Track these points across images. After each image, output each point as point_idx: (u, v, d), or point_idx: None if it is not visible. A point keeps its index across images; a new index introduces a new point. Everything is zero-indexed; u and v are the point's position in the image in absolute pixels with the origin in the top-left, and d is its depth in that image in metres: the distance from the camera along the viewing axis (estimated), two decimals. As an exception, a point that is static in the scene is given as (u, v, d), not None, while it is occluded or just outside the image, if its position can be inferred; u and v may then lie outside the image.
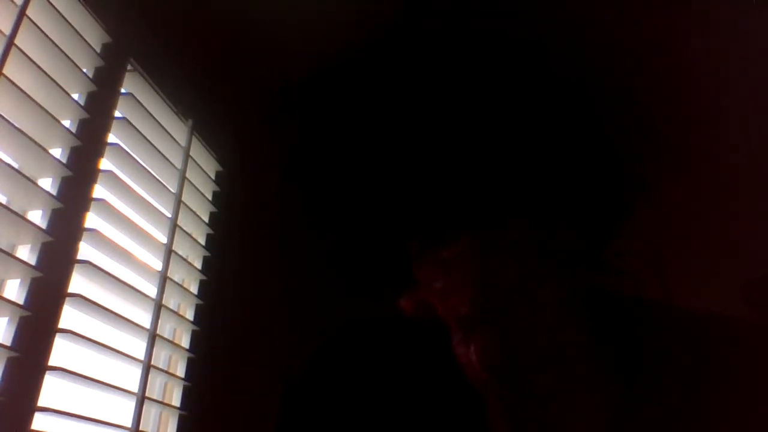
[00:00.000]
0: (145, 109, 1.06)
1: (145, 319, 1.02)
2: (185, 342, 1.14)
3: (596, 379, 0.46)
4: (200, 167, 1.24)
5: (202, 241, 1.24)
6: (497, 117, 0.43)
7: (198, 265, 1.21)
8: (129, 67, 1.05)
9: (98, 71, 0.97)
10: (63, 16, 0.89)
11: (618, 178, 0.45)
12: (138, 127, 1.04)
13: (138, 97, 1.05)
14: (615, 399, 0.45)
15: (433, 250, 0.43)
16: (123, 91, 1.03)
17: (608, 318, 0.48)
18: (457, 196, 0.42)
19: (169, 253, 1.08)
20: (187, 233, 1.15)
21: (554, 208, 0.42)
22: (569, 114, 0.44)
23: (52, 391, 0.80)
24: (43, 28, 0.84)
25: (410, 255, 0.45)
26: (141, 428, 0.95)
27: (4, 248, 0.74)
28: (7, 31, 0.79)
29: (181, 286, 1.12)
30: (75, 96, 0.92)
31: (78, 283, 0.88)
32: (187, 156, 1.18)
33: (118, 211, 0.96)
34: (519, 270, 0.41)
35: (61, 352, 0.82)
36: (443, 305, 0.44)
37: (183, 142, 1.19)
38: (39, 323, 0.79)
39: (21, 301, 0.78)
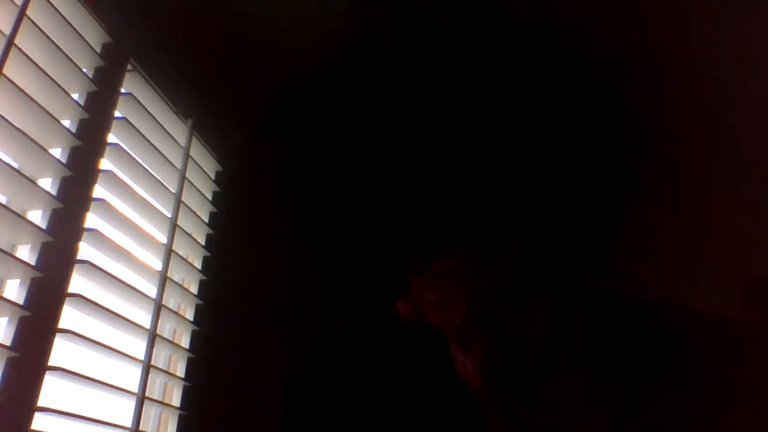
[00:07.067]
0: (145, 109, 1.06)
1: (145, 319, 1.02)
2: (185, 342, 1.14)
3: (595, 384, 0.46)
4: (200, 167, 1.24)
5: (202, 241, 1.24)
6: (490, 128, 0.42)
7: (198, 265, 1.21)
8: (129, 67, 1.05)
9: (98, 71, 0.97)
10: (63, 16, 0.89)
11: (611, 180, 0.45)
12: (138, 127, 1.04)
13: (138, 97, 1.05)
14: (615, 402, 0.45)
15: (427, 263, 0.43)
16: (123, 91, 1.02)
17: (608, 319, 0.48)
18: (449, 208, 0.42)
19: (169, 253, 1.08)
20: (187, 233, 1.15)
21: (547, 215, 0.42)
22: (562, 121, 0.43)
23: (52, 391, 0.80)
24: (43, 28, 0.84)
25: (404, 265, 0.45)
26: (141, 428, 0.95)
27: (4, 248, 0.74)
28: (7, 31, 0.79)
29: (181, 286, 1.12)
30: (75, 96, 0.92)
31: (78, 283, 0.88)
32: (187, 156, 1.18)
33: (118, 211, 0.96)
34: (512, 279, 0.41)
35: (61, 352, 0.82)
36: (438, 317, 0.44)
37: (183, 142, 1.19)
38: (39, 323, 0.79)
39: (21, 301, 0.78)
